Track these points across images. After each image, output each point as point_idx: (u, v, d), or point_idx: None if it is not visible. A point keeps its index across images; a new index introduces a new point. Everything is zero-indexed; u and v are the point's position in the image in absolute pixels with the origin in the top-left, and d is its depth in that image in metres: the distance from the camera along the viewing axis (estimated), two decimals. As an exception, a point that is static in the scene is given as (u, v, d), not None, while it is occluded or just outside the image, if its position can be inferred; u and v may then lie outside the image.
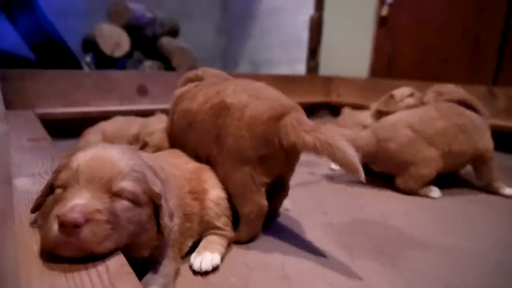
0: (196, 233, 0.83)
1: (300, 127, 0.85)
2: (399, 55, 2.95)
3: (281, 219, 1.09)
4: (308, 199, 1.27)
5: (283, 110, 0.88)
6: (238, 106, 0.89)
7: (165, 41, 3.05)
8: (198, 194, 0.83)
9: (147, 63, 2.98)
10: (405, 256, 0.91)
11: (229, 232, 0.88)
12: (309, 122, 0.88)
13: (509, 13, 2.30)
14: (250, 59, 4.40)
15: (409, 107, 1.62)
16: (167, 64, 3.00)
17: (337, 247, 0.94)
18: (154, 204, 0.61)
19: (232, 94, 0.93)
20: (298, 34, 3.69)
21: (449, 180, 1.60)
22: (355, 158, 0.78)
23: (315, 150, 0.82)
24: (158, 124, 1.32)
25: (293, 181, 1.42)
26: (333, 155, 0.79)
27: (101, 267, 0.50)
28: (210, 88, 1.00)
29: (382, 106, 1.72)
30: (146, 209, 0.59)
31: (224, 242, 0.86)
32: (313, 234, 1.01)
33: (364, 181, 0.78)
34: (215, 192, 0.87)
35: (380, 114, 1.69)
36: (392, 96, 1.71)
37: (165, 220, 0.61)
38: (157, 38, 3.07)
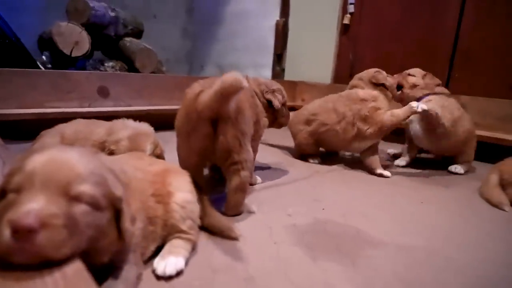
0: (160, 237, 0.82)
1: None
2: (360, 62, 3.07)
3: (245, 221, 1.10)
4: (272, 202, 1.29)
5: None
6: (187, 92, 1.09)
7: (128, 41, 2.97)
8: (162, 197, 0.82)
9: (109, 64, 2.88)
10: (364, 255, 0.95)
11: (194, 235, 0.88)
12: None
13: (459, 27, 2.47)
14: (216, 62, 4.39)
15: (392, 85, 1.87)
16: (130, 65, 2.93)
17: (300, 248, 0.96)
18: (115, 208, 0.60)
19: (194, 85, 1.10)
20: (264, 39, 3.73)
21: (405, 180, 1.69)
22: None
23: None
24: (124, 131, 1.29)
25: (258, 184, 1.44)
26: None
27: (57, 274, 0.48)
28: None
29: (376, 77, 1.83)
30: (106, 213, 0.58)
31: (188, 246, 0.85)
32: (277, 235, 1.02)
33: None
34: (180, 195, 0.86)
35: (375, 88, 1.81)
36: (379, 72, 1.85)
37: (126, 224, 0.60)
38: (120, 38, 2.98)
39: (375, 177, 1.71)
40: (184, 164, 1.12)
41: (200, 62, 4.62)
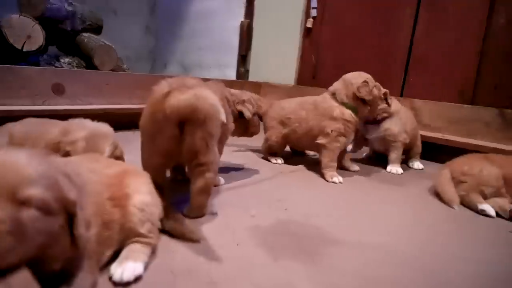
0: (117, 242, 0.79)
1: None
2: (322, 65, 3.15)
3: (208, 223, 1.09)
4: (236, 203, 1.29)
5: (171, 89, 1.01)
6: (153, 90, 1.05)
7: (86, 37, 2.84)
8: (119, 200, 0.79)
9: (65, 60, 2.74)
10: (325, 253, 0.97)
11: (153, 239, 0.85)
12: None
13: (413, 35, 2.60)
14: (180, 61, 4.32)
15: (376, 97, 1.76)
16: (88, 62, 2.80)
17: (262, 249, 0.96)
18: (68, 212, 0.57)
19: (161, 84, 1.05)
20: (228, 39, 3.72)
21: (364, 180, 1.76)
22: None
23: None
24: (81, 132, 1.22)
25: (222, 185, 1.43)
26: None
27: (0, 286, 0.45)
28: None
29: (363, 92, 1.69)
30: (58, 218, 0.55)
31: (147, 250, 0.83)
32: (239, 237, 1.02)
33: None
34: (139, 197, 0.83)
35: (356, 101, 1.72)
36: (366, 83, 1.71)
37: (80, 229, 0.57)
38: (77, 34, 2.85)
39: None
40: (147, 164, 1.09)
41: (163, 60, 4.52)
